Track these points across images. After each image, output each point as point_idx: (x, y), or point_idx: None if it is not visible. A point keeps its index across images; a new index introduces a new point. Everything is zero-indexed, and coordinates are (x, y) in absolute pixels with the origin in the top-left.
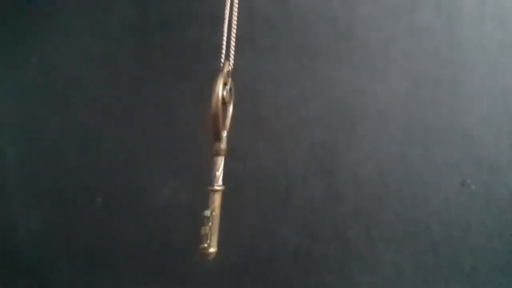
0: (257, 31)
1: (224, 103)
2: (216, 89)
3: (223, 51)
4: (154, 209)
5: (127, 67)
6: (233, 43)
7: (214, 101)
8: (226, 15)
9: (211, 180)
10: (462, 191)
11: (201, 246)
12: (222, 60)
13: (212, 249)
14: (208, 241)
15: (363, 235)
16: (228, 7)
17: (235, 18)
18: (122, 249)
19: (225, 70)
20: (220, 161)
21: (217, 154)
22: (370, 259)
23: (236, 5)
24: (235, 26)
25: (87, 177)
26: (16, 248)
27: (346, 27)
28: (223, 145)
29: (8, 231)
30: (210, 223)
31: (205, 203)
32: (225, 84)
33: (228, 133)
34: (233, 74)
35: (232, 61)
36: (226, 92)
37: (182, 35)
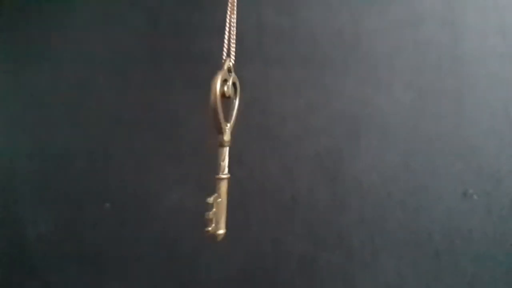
0: (265, 42)
1: (228, 97)
2: (214, 85)
3: (224, 49)
4: (162, 214)
5: (137, 75)
6: (233, 41)
7: (212, 96)
8: (227, 14)
9: (217, 169)
10: (464, 201)
11: (206, 229)
12: (224, 57)
13: (221, 231)
14: (213, 224)
15: (367, 243)
16: (229, 6)
17: (234, 17)
18: (130, 254)
19: (225, 67)
20: (225, 152)
21: (221, 145)
22: (373, 266)
23: (236, 4)
24: (234, 24)
25: (95, 183)
26: (25, 251)
27: (352, 40)
28: (227, 137)
29: (17, 235)
30: (214, 209)
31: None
32: (225, 80)
33: (232, 125)
34: (235, 69)
35: (233, 57)
36: (228, 88)
37: (191, 44)
